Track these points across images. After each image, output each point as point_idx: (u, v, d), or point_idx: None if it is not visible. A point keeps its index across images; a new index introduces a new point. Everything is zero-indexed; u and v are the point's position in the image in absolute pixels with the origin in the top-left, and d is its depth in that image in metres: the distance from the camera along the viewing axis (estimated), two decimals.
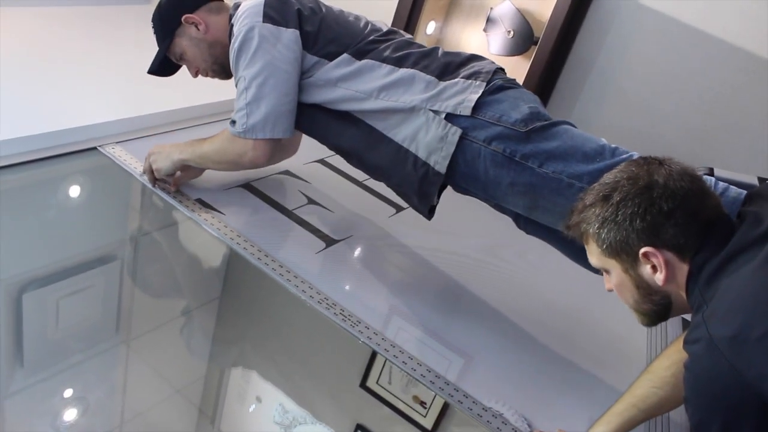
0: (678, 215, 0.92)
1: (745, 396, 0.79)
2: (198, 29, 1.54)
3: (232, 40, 1.46)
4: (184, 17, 1.53)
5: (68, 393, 1.24)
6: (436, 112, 1.35)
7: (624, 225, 0.95)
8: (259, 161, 1.50)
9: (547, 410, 1.31)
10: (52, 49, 2.12)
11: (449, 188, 1.46)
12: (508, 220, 1.45)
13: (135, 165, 1.70)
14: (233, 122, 1.48)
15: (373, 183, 1.93)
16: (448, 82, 1.38)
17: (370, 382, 1.35)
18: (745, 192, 1.15)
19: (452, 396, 1.29)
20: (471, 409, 1.27)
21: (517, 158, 1.29)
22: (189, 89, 1.81)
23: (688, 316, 0.99)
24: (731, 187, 1.17)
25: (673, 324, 1.65)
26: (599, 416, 1.18)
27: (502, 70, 1.47)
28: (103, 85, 1.96)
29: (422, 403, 1.31)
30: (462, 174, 1.36)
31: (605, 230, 0.97)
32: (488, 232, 1.87)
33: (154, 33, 1.58)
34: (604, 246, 0.98)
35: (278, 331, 1.52)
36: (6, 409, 1.14)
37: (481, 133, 1.31)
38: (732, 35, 1.96)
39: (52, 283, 1.40)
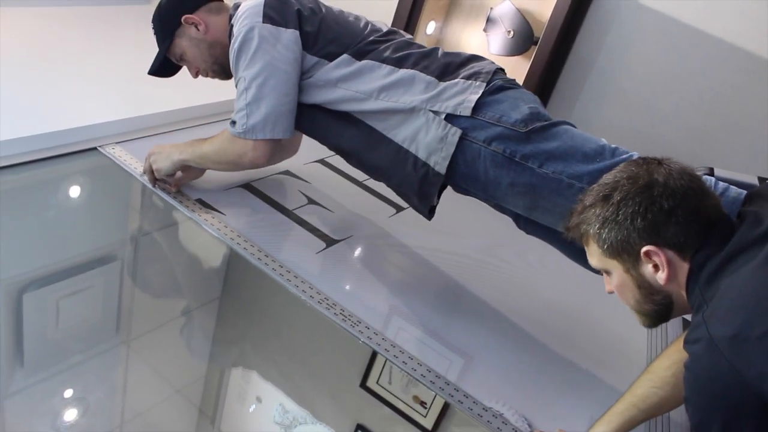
0: (679, 213, 0.92)
1: (745, 396, 0.79)
2: (198, 30, 1.54)
3: (232, 41, 1.46)
4: (183, 18, 1.53)
5: (68, 393, 1.24)
6: (436, 112, 1.35)
7: (625, 224, 0.94)
8: (259, 161, 1.51)
9: (547, 410, 1.31)
10: (52, 49, 2.12)
11: (449, 188, 1.46)
12: (508, 220, 1.45)
13: (135, 165, 1.70)
14: (233, 123, 1.48)
15: (373, 183, 1.93)
16: (448, 82, 1.38)
17: (371, 382, 1.35)
18: (745, 192, 1.15)
19: (452, 396, 1.29)
20: (471, 409, 1.27)
21: (517, 159, 1.29)
22: (189, 89, 1.81)
23: (688, 317, 0.99)
24: (731, 187, 1.17)
25: (674, 324, 1.65)
26: (599, 416, 1.18)
27: (502, 70, 1.47)
28: (103, 85, 1.96)
29: (422, 403, 1.31)
30: (462, 174, 1.36)
31: (606, 230, 0.97)
32: (488, 232, 1.87)
33: (154, 34, 1.58)
34: (605, 246, 0.98)
35: (278, 331, 1.52)
36: (6, 409, 1.14)
37: (481, 134, 1.31)
38: (732, 35, 1.96)
39: (52, 284, 1.40)
